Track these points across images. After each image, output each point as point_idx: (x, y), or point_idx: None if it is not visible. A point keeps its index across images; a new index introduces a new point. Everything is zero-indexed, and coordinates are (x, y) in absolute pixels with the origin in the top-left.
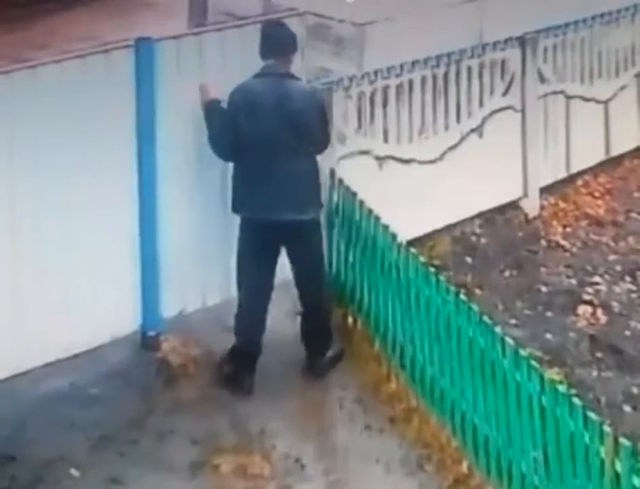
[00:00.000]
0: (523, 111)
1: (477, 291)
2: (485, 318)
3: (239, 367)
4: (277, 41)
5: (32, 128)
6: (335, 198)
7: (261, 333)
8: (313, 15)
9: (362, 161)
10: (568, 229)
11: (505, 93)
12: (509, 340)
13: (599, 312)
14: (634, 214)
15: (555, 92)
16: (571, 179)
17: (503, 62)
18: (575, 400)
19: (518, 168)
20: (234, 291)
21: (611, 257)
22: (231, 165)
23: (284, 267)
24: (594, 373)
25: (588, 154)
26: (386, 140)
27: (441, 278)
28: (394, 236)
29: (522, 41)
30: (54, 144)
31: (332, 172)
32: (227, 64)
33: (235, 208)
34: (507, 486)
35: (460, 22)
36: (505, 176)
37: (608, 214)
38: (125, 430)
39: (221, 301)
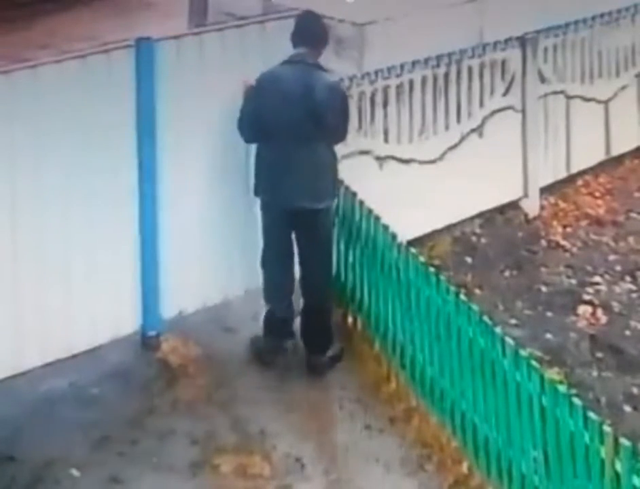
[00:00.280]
0: (523, 111)
1: (477, 291)
2: (485, 318)
3: (275, 332)
4: (310, 31)
5: (32, 128)
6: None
7: (289, 296)
8: None
9: (362, 161)
10: (568, 229)
11: (506, 93)
12: (509, 340)
13: (599, 312)
14: (634, 214)
15: (555, 92)
16: (571, 179)
17: (503, 62)
18: (575, 400)
19: (518, 168)
20: (233, 291)
21: (611, 257)
22: (232, 163)
23: None
24: (594, 373)
25: (588, 154)
26: (386, 140)
27: (441, 278)
28: (394, 236)
29: (522, 41)
30: (54, 144)
31: None
32: (227, 64)
33: (256, 191)
34: (507, 486)
35: (460, 22)
36: (505, 176)
37: (608, 214)
38: (125, 430)
39: (221, 301)
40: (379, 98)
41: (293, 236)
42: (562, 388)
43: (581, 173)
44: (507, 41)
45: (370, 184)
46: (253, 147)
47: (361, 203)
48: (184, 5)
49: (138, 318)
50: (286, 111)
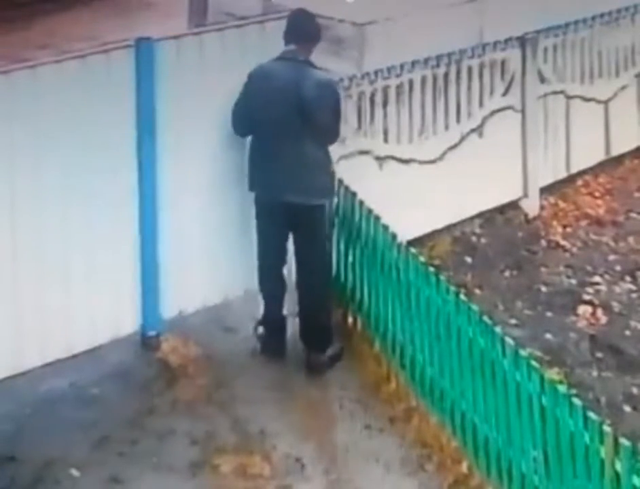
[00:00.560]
0: (523, 111)
1: (477, 291)
2: (485, 318)
3: (269, 333)
4: (302, 28)
5: (32, 128)
6: (335, 198)
7: (278, 297)
8: None
9: (362, 161)
10: (568, 229)
11: (505, 93)
12: (509, 340)
13: (599, 312)
14: (634, 214)
15: (555, 92)
16: (571, 179)
17: (503, 62)
18: (575, 400)
19: (518, 168)
20: (234, 291)
21: (611, 257)
22: (232, 163)
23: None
24: (594, 373)
25: (588, 154)
26: (386, 140)
27: (441, 278)
28: (394, 236)
29: (522, 41)
30: (54, 144)
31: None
32: (227, 64)
33: (249, 186)
34: (507, 486)
35: (460, 22)
36: (505, 176)
37: (608, 214)
38: (125, 430)
39: (221, 301)
40: (379, 98)
41: (290, 237)
42: (562, 388)
43: (581, 173)
44: (507, 41)
45: (370, 184)
46: None
47: (361, 203)
48: (184, 5)
49: (138, 318)
50: (274, 107)
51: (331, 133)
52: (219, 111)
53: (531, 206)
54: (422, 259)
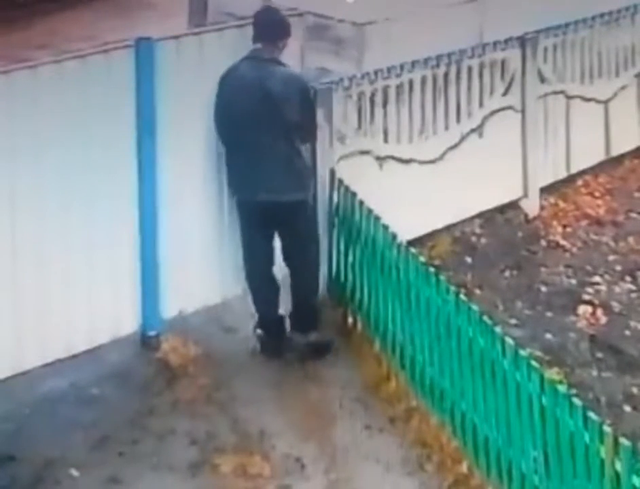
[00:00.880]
0: (523, 111)
1: (477, 291)
2: (485, 318)
3: (267, 333)
4: (263, 26)
5: (32, 128)
6: (335, 198)
7: (272, 299)
8: (313, 15)
9: (362, 161)
10: (568, 229)
11: (505, 93)
12: (509, 340)
13: (599, 312)
14: (634, 214)
15: (555, 92)
16: (571, 179)
17: (503, 62)
18: (575, 400)
19: (518, 168)
20: (233, 291)
21: (611, 257)
22: None
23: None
24: (594, 373)
25: (588, 154)
26: (386, 140)
27: (441, 278)
28: (394, 236)
29: (522, 41)
30: (54, 144)
31: (332, 172)
32: (227, 64)
33: (230, 191)
34: (507, 486)
35: (460, 22)
36: (505, 176)
37: (608, 214)
38: (125, 430)
39: (221, 301)
40: (379, 98)
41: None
42: (562, 388)
43: (581, 173)
44: (507, 41)
45: (370, 184)
46: None
47: (361, 203)
48: (184, 5)
49: (138, 318)
50: (240, 108)
51: (307, 129)
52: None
53: (531, 206)
54: (422, 259)
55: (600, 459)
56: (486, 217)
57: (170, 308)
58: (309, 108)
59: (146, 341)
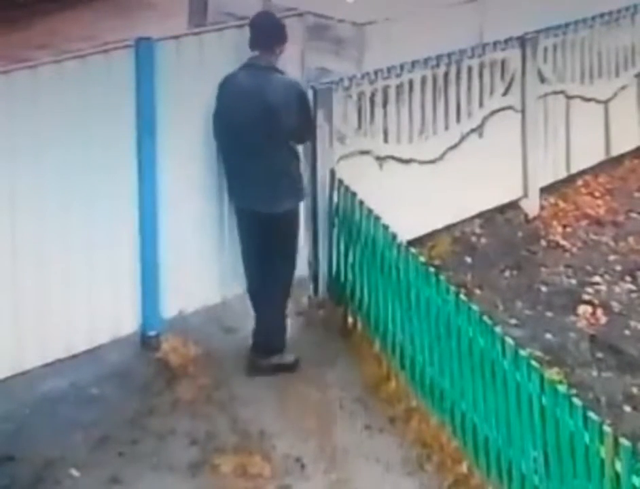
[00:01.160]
0: (523, 111)
1: (477, 291)
2: (485, 318)
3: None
4: (260, 33)
5: (32, 128)
6: (335, 198)
7: (261, 312)
8: (313, 15)
9: (362, 161)
10: (568, 229)
11: (505, 93)
12: (509, 340)
13: (599, 312)
14: (634, 214)
15: (555, 92)
16: (571, 179)
17: (503, 62)
18: (575, 400)
19: (518, 168)
20: (233, 291)
21: (611, 257)
22: None
23: None
24: (594, 373)
25: (588, 154)
26: (386, 140)
27: (441, 278)
28: (394, 236)
29: (522, 41)
30: (54, 144)
31: (332, 172)
32: (227, 64)
33: (228, 196)
34: (507, 486)
35: (460, 22)
36: (505, 176)
37: (608, 214)
38: (125, 430)
39: (220, 301)
40: (379, 98)
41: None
42: (562, 388)
43: (581, 173)
44: (507, 41)
45: (370, 184)
46: None
47: (361, 203)
48: (184, 5)
49: (138, 318)
50: (239, 116)
51: (304, 135)
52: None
53: (531, 206)
54: (422, 259)
55: (600, 459)
56: (486, 217)
57: (170, 308)
58: (306, 117)
59: (146, 341)
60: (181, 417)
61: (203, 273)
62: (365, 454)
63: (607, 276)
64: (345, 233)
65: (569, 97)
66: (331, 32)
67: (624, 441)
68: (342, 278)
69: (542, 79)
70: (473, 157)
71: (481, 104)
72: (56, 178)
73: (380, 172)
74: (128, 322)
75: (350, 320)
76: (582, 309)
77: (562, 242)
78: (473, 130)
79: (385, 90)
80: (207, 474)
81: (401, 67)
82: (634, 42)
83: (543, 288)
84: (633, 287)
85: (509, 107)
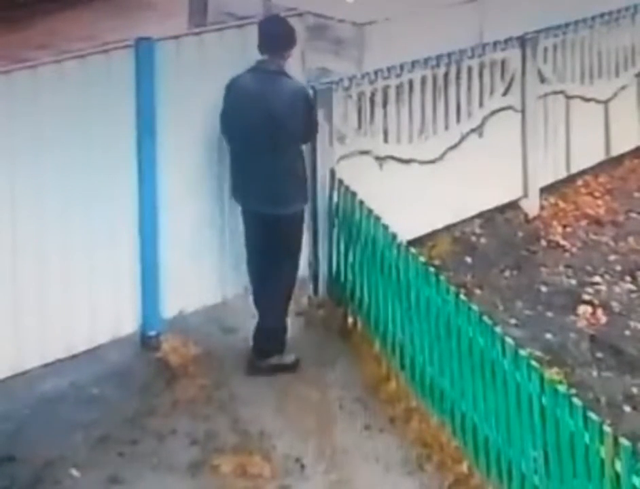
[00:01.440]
0: (523, 111)
1: (477, 291)
2: (485, 318)
3: (258, 343)
4: (270, 37)
5: (32, 128)
6: (335, 198)
7: (262, 313)
8: (313, 15)
9: (362, 161)
10: (568, 229)
11: (505, 93)
12: (509, 340)
13: (599, 312)
14: (634, 214)
15: (555, 92)
16: (571, 179)
17: (503, 62)
18: (575, 400)
19: (518, 168)
20: (233, 291)
21: (611, 257)
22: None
23: None
24: (594, 373)
25: (588, 154)
26: (386, 140)
27: (441, 278)
28: (394, 236)
29: (522, 41)
30: (54, 144)
31: (332, 172)
32: (227, 64)
33: (231, 194)
34: (507, 486)
35: (460, 22)
36: (505, 176)
37: (608, 214)
38: (125, 430)
39: (220, 301)
40: (379, 98)
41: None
42: (562, 388)
43: (581, 173)
44: (507, 41)
45: (370, 184)
46: None
47: (361, 203)
48: (184, 5)
49: (138, 318)
50: (246, 120)
51: (308, 136)
52: (219, 111)
53: (531, 206)
54: (422, 259)
55: (600, 459)
56: (486, 217)
57: (170, 308)
58: (312, 122)
59: (146, 341)
60: (181, 417)
61: (203, 273)
62: (365, 454)
63: (607, 276)
64: (345, 233)
65: (568, 97)
66: (331, 32)
67: (624, 441)
68: (342, 278)
69: (542, 79)
70: (473, 157)
71: (481, 104)
72: (56, 178)
73: (380, 172)
74: (128, 322)
75: (350, 320)
76: (582, 309)
77: (562, 242)
78: (473, 130)
79: (385, 90)
80: (207, 474)
81: (401, 67)
82: (634, 42)
83: (543, 289)
84: (633, 287)
85: (509, 107)
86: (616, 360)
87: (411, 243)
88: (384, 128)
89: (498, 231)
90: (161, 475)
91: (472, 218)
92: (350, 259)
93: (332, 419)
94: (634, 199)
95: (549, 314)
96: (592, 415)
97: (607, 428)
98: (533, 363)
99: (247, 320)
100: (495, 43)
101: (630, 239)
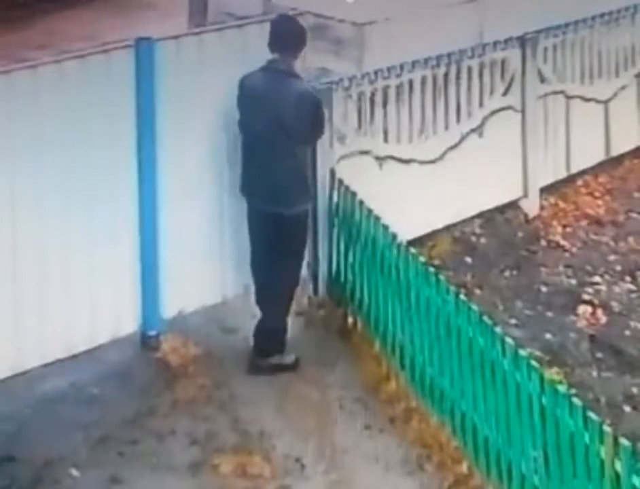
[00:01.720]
0: (523, 111)
1: (477, 291)
2: (485, 318)
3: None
4: (281, 36)
5: (32, 127)
6: (335, 198)
7: (263, 312)
8: (313, 15)
9: (362, 161)
10: (568, 229)
11: (505, 93)
12: (509, 340)
13: (599, 312)
14: (634, 214)
15: (555, 92)
16: (571, 179)
17: (503, 62)
18: (575, 400)
19: (518, 168)
20: (233, 291)
21: (611, 257)
22: (232, 163)
23: None
24: (594, 373)
25: (588, 154)
26: (386, 140)
27: (441, 278)
28: (394, 236)
29: (522, 41)
30: (54, 144)
31: (332, 172)
32: (227, 64)
33: (240, 189)
34: (507, 486)
35: (460, 22)
36: (505, 176)
37: (608, 214)
38: (125, 430)
39: (221, 301)
40: (379, 98)
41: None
42: (562, 388)
43: (581, 173)
44: (507, 41)
45: (370, 184)
46: None
47: (361, 203)
48: (184, 5)
49: (138, 318)
50: (255, 119)
51: (315, 137)
52: (219, 111)
53: (531, 206)
54: (422, 259)
55: (600, 459)
56: (486, 217)
57: (170, 308)
58: (319, 122)
59: (146, 341)
60: (181, 417)
61: (203, 273)
62: (365, 454)
63: (607, 276)
64: (345, 233)
65: (568, 97)
66: (331, 32)
67: (624, 441)
68: (342, 278)
69: (542, 79)
70: (473, 157)
71: (481, 104)
72: (56, 178)
73: (380, 172)
74: (128, 322)
75: (350, 320)
76: (582, 309)
77: (562, 242)
78: (473, 130)
79: (385, 90)
80: (207, 474)
81: (401, 67)
82: (634, 42)
83: (543, 289)
84: (633, 287)
85: (509, 107)
86: (616, 360)
87: (411, 243)
88: (384, 128)
89: (498, 231)
90: (161, 475)
91: (472, 218)
92: (350, 259)
93: (332, 419)
94: (634, 199)
95: (549, 314)
96: (592, 415)
97: (607, 428)
98: (533, 363)
99: (247, 320)
100: (495, 43)
101: (630, 239)
